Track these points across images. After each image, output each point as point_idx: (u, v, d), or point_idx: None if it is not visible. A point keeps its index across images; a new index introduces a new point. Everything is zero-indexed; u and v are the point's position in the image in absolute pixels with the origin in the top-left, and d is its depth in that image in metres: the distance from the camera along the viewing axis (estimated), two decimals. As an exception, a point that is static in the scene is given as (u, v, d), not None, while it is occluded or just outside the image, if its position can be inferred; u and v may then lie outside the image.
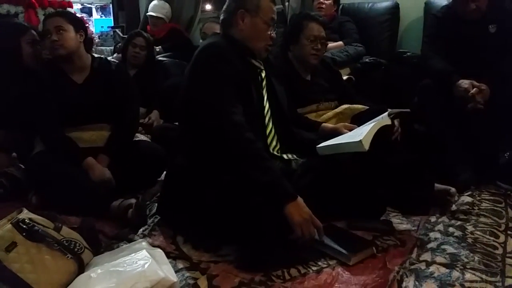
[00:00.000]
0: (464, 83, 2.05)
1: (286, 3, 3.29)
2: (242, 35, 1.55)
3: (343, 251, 1.34)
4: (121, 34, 3.96)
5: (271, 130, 1.60)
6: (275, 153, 1.60)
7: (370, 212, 1.63)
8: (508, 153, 2.00)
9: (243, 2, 1.55)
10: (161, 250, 1.25)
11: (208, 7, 4.52)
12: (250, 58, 1.59)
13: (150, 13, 3.67)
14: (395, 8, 2.97)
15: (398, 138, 1.96)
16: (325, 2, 2.96)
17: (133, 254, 1.11)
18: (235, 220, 1.33)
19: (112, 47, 3.92)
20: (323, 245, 1.37)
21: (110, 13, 4.83)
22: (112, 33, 4.22)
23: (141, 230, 1.47)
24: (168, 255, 1.28)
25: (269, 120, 1.61)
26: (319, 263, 1.32)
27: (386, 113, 1.67)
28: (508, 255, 1.38)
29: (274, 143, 1.61)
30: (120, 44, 3.46)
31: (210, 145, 1.39)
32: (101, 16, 5.10)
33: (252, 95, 1.52)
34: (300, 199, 1.32)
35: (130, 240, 1.41)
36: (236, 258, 1.32)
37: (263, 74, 1.64)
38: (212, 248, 1.36)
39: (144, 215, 1.56)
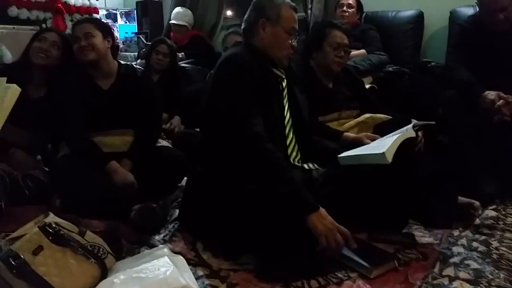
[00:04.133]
0: (491, 94, 2.01)
1: (309, 11, 3.29)
2: (263, 44, 1.56)
3: (364, 263, 1.32)
4: (144, 41, 4.04)
5: (291, 140, 1.60)
6: (296, 163, 1.60)
7: (391, 224, 1.61)
8: (535, 167, 1.95)
9: (264, 11, 1.56)
10: (182, 257, 1.26)
11: (229, 13, 4.57)
12: (272, 67, 1.59)
13: (172, 21, 3.73)
14: (419, 17, 2.94)
15: (421, 149, 1.94)
16: (348, 10, 2.95)
17: (155, 261, 1.12)
18: (255, 229, 1.33)
19: (136, 53, 3.99)
20: (344, 257, 1.36)
21: (134, 19, 4.93)
22: (136, 39, 4.30)
23: (161, 235, 1.49)
24: (188, 261, 1.29)
25: (289, 130, 1.61)
26: (340, 275, 1.30)
27: (411, 125, 1.65)
28: (535, 273, 1.34)
29: (294, 153, 1.60)
30: (143, 50, 3.52)
31: (230, 154, 1.40)
32: (125, 22, 5.20)
33: (272, 105, 1.53)
34: (322, 210, 1.31)
35: (151, 245, 1.43)
36: (256, 267, 1.32)
37: (284, 83, 1.64)
38: (232, 256, 1.37)
39: (150, 218, 1.55)
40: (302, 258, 1.29)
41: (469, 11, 2.57)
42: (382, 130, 1.91)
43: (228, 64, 1.51)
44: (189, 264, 1.28)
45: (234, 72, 1.46)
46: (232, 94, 1.42)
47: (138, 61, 3.41)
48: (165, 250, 1.28)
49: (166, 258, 1.13)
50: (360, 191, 1.53)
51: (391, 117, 2.04)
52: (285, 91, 1.64)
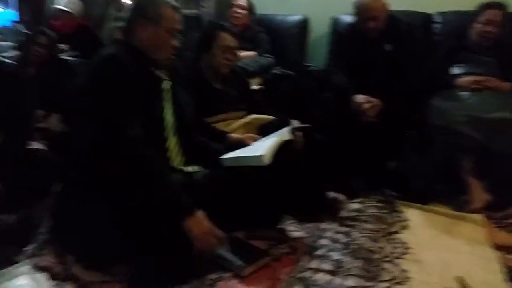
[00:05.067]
0: (360, 98, 2.23)
1: (201, 8, 3.29)
2: (144, 44, 1.53)
3: (239, 262, 1.40)
4: (23, 30, 3.65)
5: (173, 143, 1.61)
6: (178, 166, 1.61)
7: (268, 221, 1.72)
8: (394, 163, 2.23)
9: (144, 11, 1.53)
10: (45, 274, 1.20)
11: (127, 1, 4.32)
12: (152, 68, 1.58)
13: (56, 6, 3.43)
14: (305, 22, 3.13)
15: (300, 148, 2.09)
16: (241, 11, 3.02)
17: (14, 280, 1.05)
18: (131, 236, 1.32)
19: (14, 43, 3.60)
20: (220, 257, 1.42)
21: (13, 6, 4.42)
22: (14, 27, 3.87)
23: (28, 249, 1.39)
24: (55, 276, 1.23)
25: (171, 132, 1.61)
26: (215, 276, 1.36)
27: (288, 128, 1.78)
28: (385, 259, 1.55)
29: (175, 156, 1.61)
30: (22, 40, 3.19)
31: (106, 159, 1.36)
32: (2, 9, 4.64)
33: (153, 107, 1.52)
34: (199, 213, 1.34)
35: (13, 262, 1.33)
36: (129, 277, 1.31)
37: (166, 84, 1.63)
38: (105, 266, 1.34)
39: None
40: (178, 263, 1.32)
41: (348, 19, 2.76)
42: (266, 130, 2.01)
43: (105, 65, 1.46)
44: (56, 279, 1.22)
45: (111, 73, 1.42)
46: (109, 96, 1.38)
47: (14, 52, 3.08)
48: (25, 268, 1.21)
49: (25, 277, 1.06)
50: (241, 191, 1.61)
51: (274, 118, 2.16)
52: (167, 92, 1.64)
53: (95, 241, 1.37)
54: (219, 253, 1.40)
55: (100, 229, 1.35)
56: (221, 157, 1.63)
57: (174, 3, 1.60)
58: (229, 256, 1.42)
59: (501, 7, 2.38)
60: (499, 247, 1.69)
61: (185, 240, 1.31)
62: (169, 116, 1.62)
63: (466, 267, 1.53)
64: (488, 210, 1.99)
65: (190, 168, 1.65)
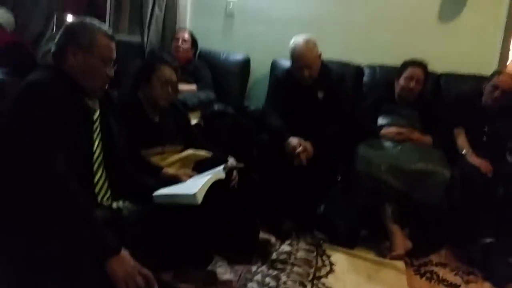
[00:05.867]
0: (293, 141, 2.32)
1: (145, 37, 3.27)
2: (74, 72, 1.46)
3: (164, 306, 1.35)
4: None
5: (100, 177, 1.54)
6: (104, 202, 1.54)
7: (198, 261, 1.69)
8: (323, 206, 2.32)
9: (75, 37, 1.47)
10: None
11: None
12: (83, 97, 1.51)
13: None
14: (247, 62, 3.22)
15: (235, 187, 2.10)
16: (183, 45, 3.05)
17: None
18: (49, 276, 1.23)
19: None
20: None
21: None
22: None
23: None
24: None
25: (99, 166, 1.53)
26: (138, 321, 1.29)
27: (222, 166, 1.78)
28: (310, 304, 1.58)
29: (103, 191, 1.54)
30: None
31: (28, 193, 1.27)
32: None
33: (80, 139, 1.44)
34: (124, 253, 1.28)
35: None
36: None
37: (97, 115, 1.56)
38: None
39: None
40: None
41: (287, 63, 2.84)
42: (202, 166, 2.01)
43: (28, 92, 1.36)
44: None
45: (35, 101, 1.32)
46: (31, 126, 1.29)
47: None
48: None
49: None
50: (171, 229, 1.57)
51: (211, 154, 2.17)
52: (97, 124, 1.57)
53: (14, 277, 1.25)
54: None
55: (21, 265, 1.24)
56: (154, 194, 1.59)
57: (108, 31, 1.56)
58: (154, 300, 1.36)
59: (422, 65, 2.65)
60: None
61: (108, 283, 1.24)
62: (98, 148, 1.56)
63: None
64: (409, 256, 2.13)
65: (118, 204, 1.59)
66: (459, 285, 1.94)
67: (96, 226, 1.27)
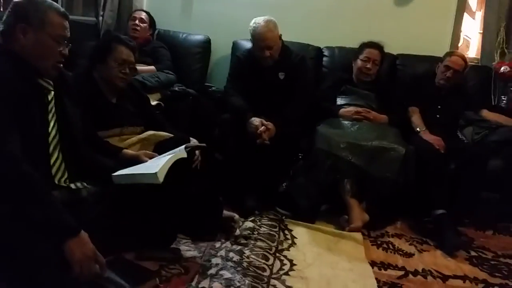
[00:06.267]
0: (255, 121, 2.34)
1: (100, 18, 3.15)
2: (25, 51, 1.40)
3: (126, 285, 1.34)
4: None
5: (57, 159, 1.48)
6: (62, 183, 1.50)
7: (161, 241, 1.68)
8: (285, 184, 2.37)
9: (25, 15, 1.40)
10: None
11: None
12: (36, 77, 1.45)
13: None
14: (207, 43, 3.19)
15: (198, 167, 2.09)
16: (140, 24, 2.96)
17: None
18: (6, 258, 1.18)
19: None
20: (107, 281, 1.34)
21: None
22: None
23: None
24: None
25: (55, 148, 1.48)
26: (97, 301, 1.29)
27: (183, 146, 1.77)
28: (273, 276, 1.62)
29: (60, 172, 1.49)
30: None
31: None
32: None
33: (34, 120, 1.39)
34: (83, 234, 1.25)
35: None
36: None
37: (51, 95, 1.51)
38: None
39: None
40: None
41: (248, 44, 2.85)
42: (163, 147, 1.98)
43: None
44: None
45: None
46: None
47: None
48: None
49: None
50: (133, 210, 1.55)
51: (172, 135, 2.14)
52: (52, 104, 1.52)
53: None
54: (104, 275, 1.32)
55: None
56: (113, 174, 1.56)
57: (60, 8, 1.50)
58: (115, 278, 1.35)
59: (378, 47, 2.72)
60: (374, 263, 1.88)
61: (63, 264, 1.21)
62: (54, 130, 1.50)
63: (346, 283, 1.67)
64: (367, 229, 2.22)
65: (77, 185, 1.55)
66: (413, 254, 2.04)
67: (52, 207, 1.24)
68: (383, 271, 1.83)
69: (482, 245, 2.22)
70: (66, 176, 1.52)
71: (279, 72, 2.57)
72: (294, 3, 3.25)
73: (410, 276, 1.82)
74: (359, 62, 2.72)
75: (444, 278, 1.83)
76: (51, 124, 1.48)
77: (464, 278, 1.85)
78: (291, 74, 2.58)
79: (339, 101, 2.73)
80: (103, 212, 1.50)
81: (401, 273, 1.83)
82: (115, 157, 1.85)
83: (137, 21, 2.95)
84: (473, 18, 3.60)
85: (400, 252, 2.04)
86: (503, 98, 3.00)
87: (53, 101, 1.51)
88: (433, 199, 2.26)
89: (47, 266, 1.19)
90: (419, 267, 1.90)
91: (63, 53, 1.48)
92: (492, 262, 2.03)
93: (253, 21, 2.53)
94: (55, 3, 1.49)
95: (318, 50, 3.16)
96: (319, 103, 2.71)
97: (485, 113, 2.71)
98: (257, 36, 2.50)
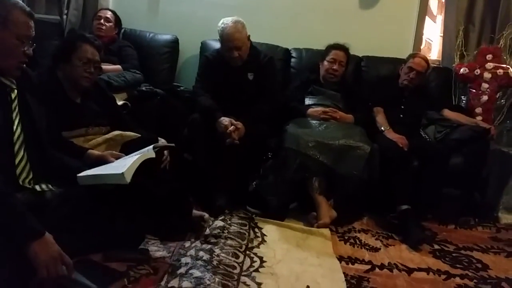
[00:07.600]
0: (225, 120, 2.34)
1: (64, 16, 3.06)
2: None
3: (94, 286, 1.31)
4: None
5: (22, 158, 1.44)
6: (26, 184, 1.45)
7: (129, 241, 1.65)
8: (255, 182, 2.38)
9: None
10: None
11: None
12: None
13: None
14: (175, 42, 3.15)
15: (166, 167, 2.07)
16: (106, 23, 2.91)
17: None
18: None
19: None
20: (74, 282, 1.31)
21: None
22: None
23: None
24: None
25: (20, 147, 1.44)
26: (65, 302, 1.25)
27: (151, 146, 1.75)
28: (243, 273, 1.63)
29: (24, 173, 1.45)
30: None
31: None
32: None
33: (-3, 119, 1.35)
34: (48, 236, 1.22)
35: None
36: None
37: (14, 94, 1.47)
38: None
39: None
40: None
41: (216, 44, 2.84)
42: (130, 148, 1.95)
43: None
44: None
45: None
46: None
47: None
48: None
49: None
50: (99, 211, 1.51)
51: (140, 135, 2.11)
52: (15, 103, 1.47)
53: None
54: (72, 277, 1.29)
55: None
56: (79, 175, 1.52)
57: (25, 7, 1.46)
58: (83, 279, 1.32)
59: (344, 48, 2.79)
60: (342, 258, 1.93)
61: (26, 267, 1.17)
62: (19, 129, 1.46)
63: (315, 278, 1.70)
64: (334, 225, 2.26)
65: (41, 187, 1.50)
66: (379, 248, 2.10)
67: (15, 209, 1.20)
68: (350, 265, 1.88)
69: (445, 239, 2.31)
70: (31, 176, 1.48)
71: (248, 72, 2.59)
72: (263, 5, 3.28)
73: (377, 269, 1.87)
74: (325, 63, 2.77)
75: (409, 271, 1.89)
76: (15, 122, 1.45)
77: (428, 270, 1.92)
78: (259, 75, 2.60)
79: (307, 101, 2.78)
80: (68, 213, 1.46)
81: (368, 267, 1.88)
82: (80, 158, 1.81)
83: (102, 20, 2.89)
84: (434, 22, 3.75)
85: (367, 247, 2.10)
86: (463, 98, 3.15)
87: (16, 100, 1.47)
88: (397, 195, 2.34)
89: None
90: (385, 261, 1.95)
91: (27, 52, 1.45)
92: (454, 255, 2.12)
93: (221, 21, 2.54)
94: (20, 1, 1.45)
95: (286, 51, 3.20)
96: (287, 103, 2.75)
97: (447, 113, 2.82)
98: (225, 37, 2.51)
